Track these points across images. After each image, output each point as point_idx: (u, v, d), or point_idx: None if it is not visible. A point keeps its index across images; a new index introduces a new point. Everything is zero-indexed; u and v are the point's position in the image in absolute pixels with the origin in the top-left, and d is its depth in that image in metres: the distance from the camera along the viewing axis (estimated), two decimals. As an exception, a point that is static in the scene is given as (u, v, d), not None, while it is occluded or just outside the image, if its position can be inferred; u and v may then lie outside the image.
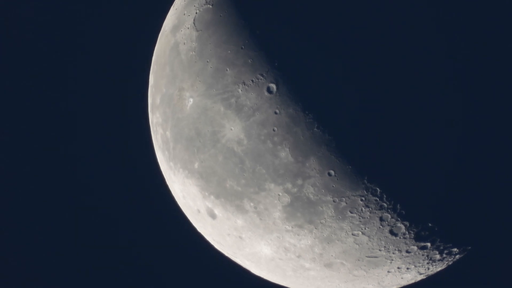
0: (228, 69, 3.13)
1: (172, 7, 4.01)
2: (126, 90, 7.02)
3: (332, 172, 3.01)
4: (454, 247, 3.53)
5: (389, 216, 3.13)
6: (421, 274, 3.75)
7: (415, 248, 3.37)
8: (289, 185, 3.09)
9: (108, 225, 7.52)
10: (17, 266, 7.57)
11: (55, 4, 7.58)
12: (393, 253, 3.36)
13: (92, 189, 7.53)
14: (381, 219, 3.14)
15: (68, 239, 7.57)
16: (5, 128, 7.52)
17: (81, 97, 7.54)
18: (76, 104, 7.55)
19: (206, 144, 3.28)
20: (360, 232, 3.20)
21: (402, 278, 3.71)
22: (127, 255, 7.53)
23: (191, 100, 3.32)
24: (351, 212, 3.11)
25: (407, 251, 3.38)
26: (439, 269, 3.83)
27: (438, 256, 3.53)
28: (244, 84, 3.07)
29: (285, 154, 3.03)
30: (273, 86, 2.99)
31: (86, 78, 7.51)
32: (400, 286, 3.97)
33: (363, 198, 3.05)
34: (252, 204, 3.27)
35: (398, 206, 3.09)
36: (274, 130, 3.02)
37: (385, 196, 3.05)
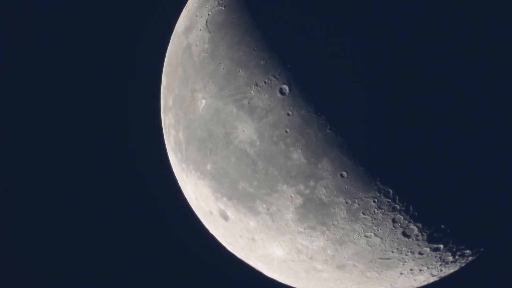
0: (240, 71, 3.13)
1: (184, 8, 4.00)
2: (138, 91, 7.03)
3: (344, 173, 3.01)
4: (467, 249, 3.54)
5: (402, 217, 3.13)
6: (433, 276, 3.75)
7: (428, 250, 3.37)
8: (301, 187, 3.09)
9: (120, 226, 7.52)
10: (17, 266, 7.53)
11: (55, 4, 7.56)
12: (406, 255, 3.37)
13: (102, 192, 7.53)
14: (393, 220, 3.14)
15: (69, 239, 7.55)
16: (5, 128, 7.48)
17: (91, 99, 7.53)
18: (86, 106, 7.54)
19: (219, 145, 3.27)
20: (373, 234, 3.20)
21: (414, 280, 3.71)
22: (138, 256, 7.53)
23: (204, 101, 3.31)
24: (363, 214, 3.11)
25: (420, 253, 3.38)
26: (451, 271, 3.83)
27: (450, 258, 3.54)
28: (257, 86, 3.06)
29: (297, 155, 3.02)
30: (285, 88, 2.99)
31: (96, 79, 7.51)
32: (412, 288, 3.98)
33: (376, 200, 3.06)
34: (264, 205, 3.27)
35: (411, 207, 3.09)
36: (286, 132, 3.01)
37: (397, 197, 3.05)
